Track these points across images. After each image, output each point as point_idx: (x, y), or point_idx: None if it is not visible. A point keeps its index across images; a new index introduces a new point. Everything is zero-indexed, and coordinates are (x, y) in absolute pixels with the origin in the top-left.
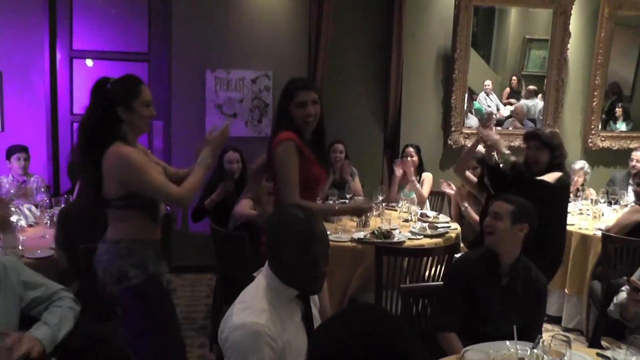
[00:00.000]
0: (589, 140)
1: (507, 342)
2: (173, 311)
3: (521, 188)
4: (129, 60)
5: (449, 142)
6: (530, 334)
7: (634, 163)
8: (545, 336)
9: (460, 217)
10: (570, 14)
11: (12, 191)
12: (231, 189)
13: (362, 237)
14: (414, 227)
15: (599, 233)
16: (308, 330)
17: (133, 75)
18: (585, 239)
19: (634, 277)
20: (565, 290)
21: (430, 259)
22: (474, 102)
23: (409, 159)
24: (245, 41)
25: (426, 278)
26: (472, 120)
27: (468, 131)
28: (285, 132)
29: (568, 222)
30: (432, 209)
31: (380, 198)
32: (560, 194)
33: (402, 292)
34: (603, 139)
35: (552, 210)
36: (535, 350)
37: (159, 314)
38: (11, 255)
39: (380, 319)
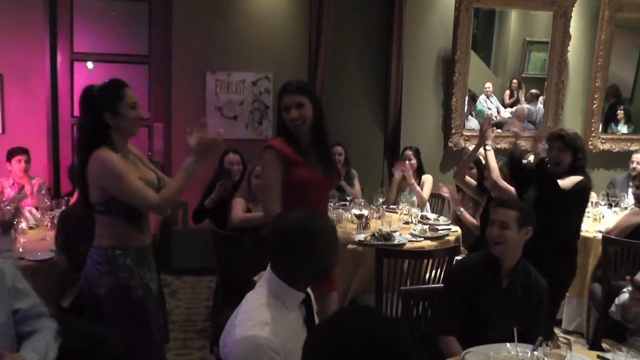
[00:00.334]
0: (590, 143)
1: (508, 345)
2: (147, 322)
3: (543, 186)
4: (129, 63)
5: (450, 144)
6: (531, 337)
7: (634, 165)
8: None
9: (459, 220)
10: (571, 17)
11: (16, 196)
12: (230, 187)
13: (363, 239)
14: (414, 230)
15: (600, 235)
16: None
17: (117, 79)
18: (585, 241)
19: (637, 277)
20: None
21: (430, 261)
22: (477, 104)
23: (407, 162)
24: (245, 43)
25: (426, 280)
26: (473, 123)
27: (468, 133)
28: (274, 138)
29: None
30: (432, 211)
31: (381, 200)
32: (578, 199)
33: (402, 295)
34: (603, 141)
35: (570, 214)
36: (535, 353)
37: (132, 324)
38: (8, 258)
39: (380, 320)
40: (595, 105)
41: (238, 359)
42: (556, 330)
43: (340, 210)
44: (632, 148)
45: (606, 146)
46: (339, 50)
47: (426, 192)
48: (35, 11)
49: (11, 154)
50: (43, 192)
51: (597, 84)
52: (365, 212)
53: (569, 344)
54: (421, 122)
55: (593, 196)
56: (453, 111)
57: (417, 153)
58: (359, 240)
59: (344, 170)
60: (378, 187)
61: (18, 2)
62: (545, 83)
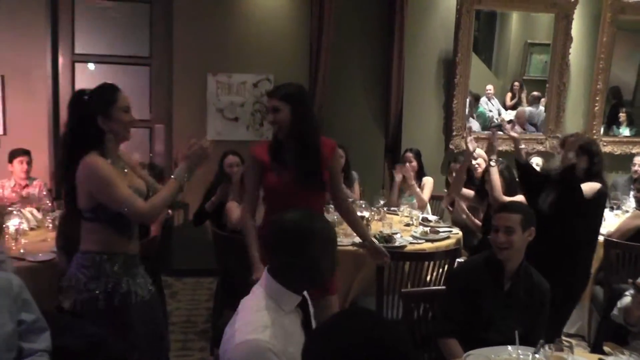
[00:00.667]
0: None
1: (509, 347)
2: (131, 328)
3: (566, 193)
4: (130, 64)
5: (451, 146)
6: (532, 339)
7: (636, 168)
8: None
9: (455, 223)
10: (572, 19)
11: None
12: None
13: None
14: (415, 232)
15: (601, 238)
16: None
17: (108, 83)
18: None
19: (639, 280)
20: None
21: (431, 263)
22: (479, 106)
23: (407, 164)
24: (246, 45)
25: (427, 282)
26: (474, 125)
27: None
28: (262, 142)
29: None
30: (433, 214)
31: (382, 202)
32: (597, 206)
33: (403, 297)
34: (605, 144)
35: (588, 220)
36: (537, 356)
37: (114, 329)
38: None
39: (379, 322)
40: (596, 108)
41: None
42: None
43: None
44: (633, 151)
45: (608, 149)
46: (340, 52)
47: (426, 194)
48: (36, 12)
49: (13, 155)
50: (44, 193)
51: (598, 86)
52: (366, 214)
53: (570, 347)
54: (422, 124)
55: None
56: (454, 113)
57: (417, 155)
58: (359, 242)
59: (343, 173)
60: (379, 189)
61: (19, 4)
62: (547, 85)
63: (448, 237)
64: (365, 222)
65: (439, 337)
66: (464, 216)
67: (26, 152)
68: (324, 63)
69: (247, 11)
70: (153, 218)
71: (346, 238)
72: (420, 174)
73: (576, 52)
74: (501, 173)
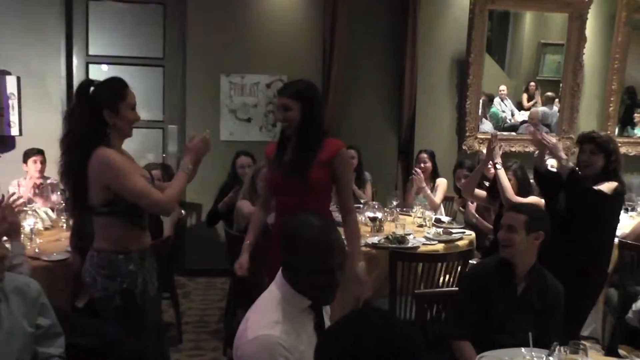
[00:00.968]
0: None
1: (522, 349)
2: (142, 326)
3: (574, 195)
4: (144, 65)
5: (464, 147)
6: (546, 342)
7: None
8: None
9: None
10: (587, 18)
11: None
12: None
13: (377, 242)
14: (428, 233)
15: (616, 240)
16: None
17: (118, 77)
18: None
19: None
20: None
21: (444, 264)
22: (492, 106)
23: (422, 164)
24: (259, 46)
25: (440, 284)
26: (487, 126)
27: (482, 136)
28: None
29: None
30: (446, 215)
31: (395, 203)
32: (616, 206)
33: (416, 298)
34: (619, 144)
35: (605, 221)
36: (551, 358)
37: (129, 326)
38: (21, 263)
39: (392, 323)
40: (611, 108)
41: (251, 359)
42: None
43: None
44: None
45: (622, 150)
46: (353, 53)
47: (439, 196)
48: (51, 15)
49: (27, 155)
50: (59, 193)
51: (613, 87)
52: (379, 214)
53: (584, 350)
54: (435, 124)
55: None
56: (467, 114)
57: (432, 156)
58: (372, 243)
59: (355, 174)
60: (392, 190)
61: (34, 6)
62: (560, 86)
63: (461, 238)
64: (378, 223)
65: (451, 339)
66: (474, 220)
67: (40, 152)
68: (336, 64)
69: (261, 12)
70: (170, 209)
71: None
72: (434, 175)
73: (590, 53)
74: (514, 173)
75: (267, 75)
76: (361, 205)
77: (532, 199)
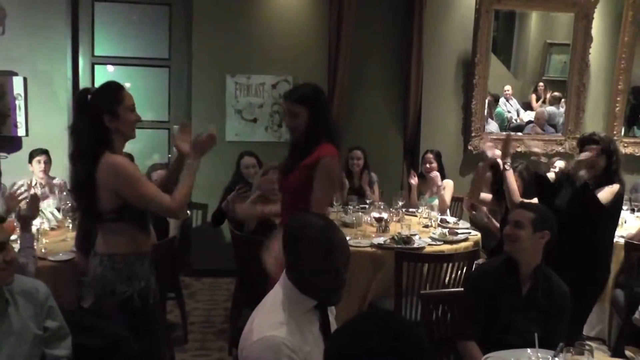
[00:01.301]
0: None
1: (528, 350)
2: (157, 324)
3: (583, 204)
4: (149, 66)
5: (469, 147)
6: (552, 342)
7: None
8: None
9: (474, 224)
10: (593, 18)
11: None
12: (246, 195)
13: (382, 242)
14: (434, 233)
15: (622, 241)
16: (326, 339)
17: (113, 81)
18: None
19: None
20: None
21: (450, 265)
22: (497, 106)
23: (428, 165)
24: (265, 47)
25: (446, 284)
26: (493, 126)
27: (488, 136)
28: None
29: None
30: (452, 215)
31: (400, 204)
32: (614, 209)
33: (422, 298)
34: (626, 145)
35: (606, 220)
36: (557, 359)
37: (143, 327)
38: (28, 257)
39: (400, 325)
40: (617, 109)
41: (257, 359)
42: None
43: (360, 213)
44: None
45: (629, 150)
46: (358, 53)
47: (447, 197)
48: (57, 16)
49: (32, 155)
50: (65, 193)
51: (619, 87)
52: (384, 215)
53: (590, 351)
54: (441, 125)
55: None
56: (473, 114)
57: (438, 156)
58: (378, 244)
59: (367, 178)
60: (397, 191)
61: (41, 8)
62: (566, 86)
63: (467, 239)
64: (384, 223)
65: (457, 339)
66: (486, 219)
67: (44, 152)
68: (342, 64)
69: (266, 13)
70: (180, 214)
71: (364, 239)
72: (440, 176)
73: (596, 52)
74: (520, 174)
75: (273, 76)
76: (367, 206)
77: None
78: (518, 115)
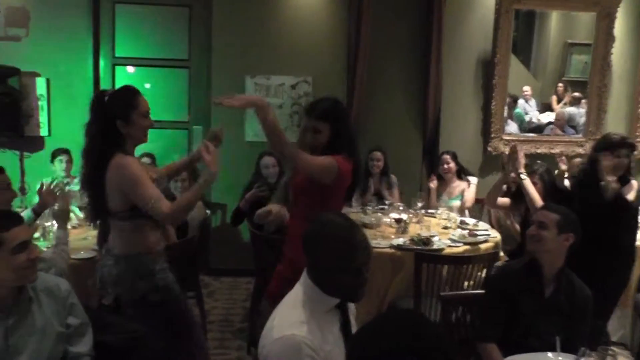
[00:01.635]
0: None
1: (549, 354)
2: (180, 322)
3: (608, 209)
4: (169, 67)
5: (489, 148)
6: (573, 347)
7: None
8: None
9: (499, 225)
10: (615, 17)
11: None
12: (265, 193)
13: (401, 243)
14: (453, 234)
15: None
16: (347, 339)
17: (130, 86)
18: None
19: None
20: None
21: (469, 266)
22: (516, 107)
23: (445, 165)
24: (284, 47)
25: (465, 286)
26: (512, 127)
27: (508, 138)
28: None
29: None
30: (471, 216)
31: (420, 205)
32: (637, 207)
33: (442, 300)
34: None
35: (628, 219)
36: None
37: (164, 325)
38: (61, 253)
39: (422, 327)
40: None
41: (277, 358)
42: None
43: (379, 214)
44: None
45: None
46: (377, 54)
47: (472, 195)
48: (78, 18)
49: (54, 155)
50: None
51: None
52: (404, 216)
53: (613, 356)
54: (460, 126)
55: None
56: (492, 115)
57: (454, 157)
58: (397, 245)
59: (386, 181)
60: (417, 192)
61: (63, 10)
62: (587, 86)
63: (486, 241)
64: (403, 224)
65: (478, 341)
66: (508, 222)
67: (66, 151)
68: (361, 65)
69: (285, 14)
70: (176, 220)
71: (384, 240)
72: (459, 175)
73: (619, 52)
74: (541, 177)
75: (292, 77)
76: (386, 207)
77: None
78: (537, 116)
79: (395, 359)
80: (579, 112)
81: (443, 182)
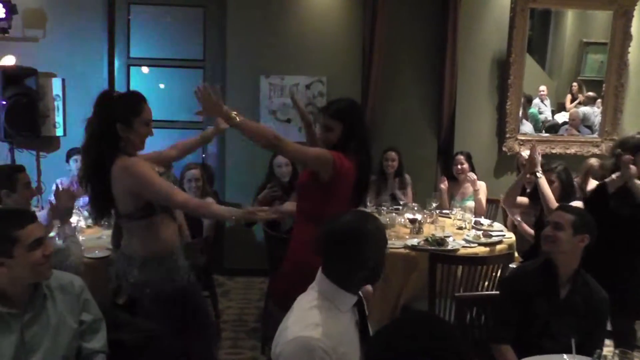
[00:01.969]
0: None
1: (565, 356)
2: (195, 320)
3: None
4: (184, 67)
5: (504, 149)
6: (589, 349)
7: None
8: (605, 351)
9: (514, 227)
10: (632, 16)
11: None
12: (278, 193)
13: (416, 244)
14: (468, 235)
15: None
16: (363, 339)
17: (137, 92)
18: None
19: None
20: None
21: (484, 267)
22: (531, 107)
23: (459, 166)
24: (299, 47)
25: (480, 287)
26: (527, 127)
27: (523, 138)
28: None
29: None
30: (486, 217)
31: (434, 205)
32: None
33: (456, 301)
34: None
35: None
36: None
37: (179, 324)
38: (74, 242)
39: (444, 325)
40: None
41: (290, 359)
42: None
43: (394, 214)
44: None
45: None
46: (392, 53)
47: (483, 200)
48: (93, 18)
49: (69, 154)
50: None
51: None
52: (418, 216)
53: (631, 358)
54: (475, 126)
55: None
56: (507, 115)
57: (468, 157)
58: (412, 245)
59: (400, 181)
60: (431, 192)
61: (78, 11)
62: (603, 86)
63: (501, 242)
64: (417, 224)
65: (492, 342)
66: (517, 223)
67: (80, 151)
68: (376, 65)
69: (300, 14)
70: (187, 210)
71: (398, 240)
72: None
73: (636, 52)
74: (559, 175)
75: (307, 76)
76: (400, 207)
77: (577, 204)
78: (553, 116)
79: (418, 357)
80: (594, 112)
81: (456, 183)
